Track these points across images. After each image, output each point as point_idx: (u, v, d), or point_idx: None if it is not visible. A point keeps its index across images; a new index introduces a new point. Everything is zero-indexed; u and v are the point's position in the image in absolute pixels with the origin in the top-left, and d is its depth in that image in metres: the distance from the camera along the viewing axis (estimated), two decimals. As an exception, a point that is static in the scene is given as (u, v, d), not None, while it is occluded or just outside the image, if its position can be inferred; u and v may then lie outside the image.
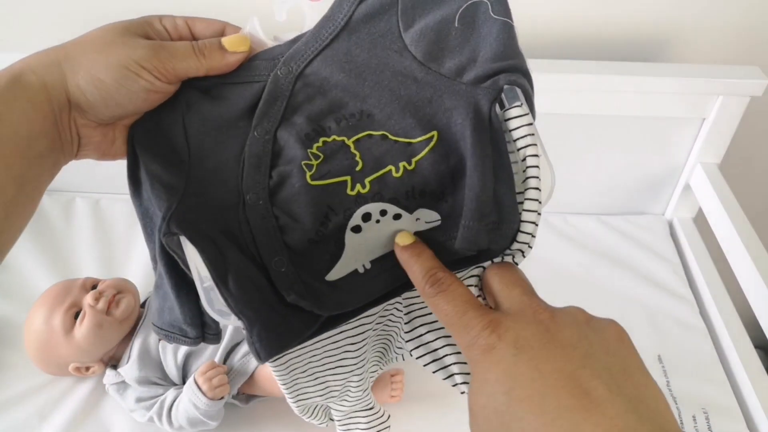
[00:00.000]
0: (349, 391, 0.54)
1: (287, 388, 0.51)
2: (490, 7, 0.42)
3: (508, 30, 0.41)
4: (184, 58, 0.41)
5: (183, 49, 0.41)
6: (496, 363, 0.32)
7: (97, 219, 1.02)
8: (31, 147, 0.37)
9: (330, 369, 0.51)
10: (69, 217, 1.02)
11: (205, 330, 0.43)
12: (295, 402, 0.53)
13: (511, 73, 0.40)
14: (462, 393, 0.43)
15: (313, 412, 0.58)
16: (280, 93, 0.43)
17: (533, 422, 0.29)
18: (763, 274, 0.76)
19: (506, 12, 0.42)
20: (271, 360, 0.45)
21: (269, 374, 0.73)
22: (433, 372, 0.46)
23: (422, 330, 0.46)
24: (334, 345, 0.49)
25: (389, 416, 0.61)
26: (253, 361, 0.74)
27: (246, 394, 0.76)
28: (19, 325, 0.80)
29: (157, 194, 0.42)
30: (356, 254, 0.41)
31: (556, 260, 0.97)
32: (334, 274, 0.41)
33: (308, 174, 0.41)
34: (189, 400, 0.69)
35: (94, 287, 0.78)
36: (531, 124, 0.39)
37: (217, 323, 0.43)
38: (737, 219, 0.84)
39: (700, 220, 0.99)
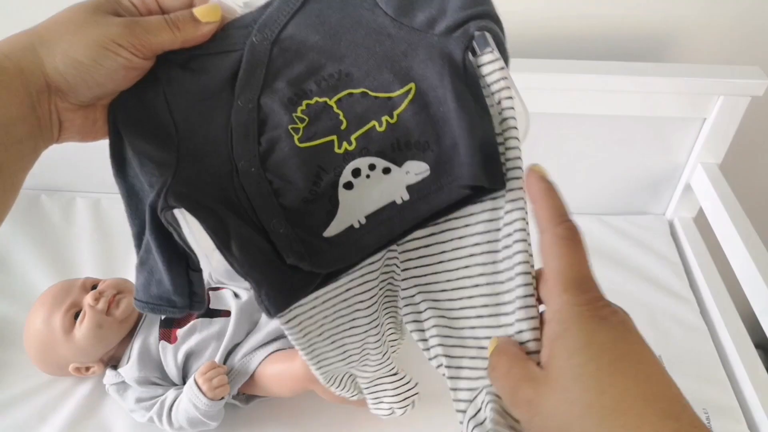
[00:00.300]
0: (369, 354, 0.54)
1: (306, 354, 0.50)
2: None
3: None
4: (159, 32, 0.41)
5: (156, 23, 0.41)
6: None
7: (97, 219, 1.02)
8: (8, 133, 0.37)
9: (344, 330, 0.50)
10: (69, 217, 1.02)
11: (192, 299, 0.44)
12: (318, 369, 0.52)
13: (480, 19, 0.42)
14: (437, 367, 0.44)
15: (340, 383, 0.58)
16: (258, 60, 0.44)
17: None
18: (763, 274, 0.76)
19: None
20: (284, 323, 0.46)
21: (270, 374, 0.73)
22: (417, 340, 0.46)
23: (413, 291, 0.47)
24: (344, 304, 0.49)
25: (417, 383, 0.60)
26: (253, 362, 0.74)
27: (246, 394, 0.76)
28: (19, 325, 0.80)
29: (148, 171, 0.42)
30: (351, 210, 0.43)
31: (556, 260, 0.97)
32: (331, 230, 0.43)
33: (296, 137, 0.42)
34: (189, 401, 0.69)
35: (94, 287, 0.78)
36: (503, 68, 0.41)
37: (203, 291, 0.45)
38: (738, 219, 0.84)
39: (701, 220, 0.99)
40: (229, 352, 0.75)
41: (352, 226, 0.43)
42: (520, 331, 0.38)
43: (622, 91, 0.89)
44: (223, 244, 0.40)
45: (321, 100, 0.43)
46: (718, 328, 0.86)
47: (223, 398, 0.70)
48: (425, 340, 0.45)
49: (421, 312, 0.45)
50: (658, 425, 0.30)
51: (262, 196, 0.42)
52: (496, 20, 0.43)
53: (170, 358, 0.74)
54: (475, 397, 0.42)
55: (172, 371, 0.74)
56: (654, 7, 0.91)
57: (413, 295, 0.46)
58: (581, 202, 1.05)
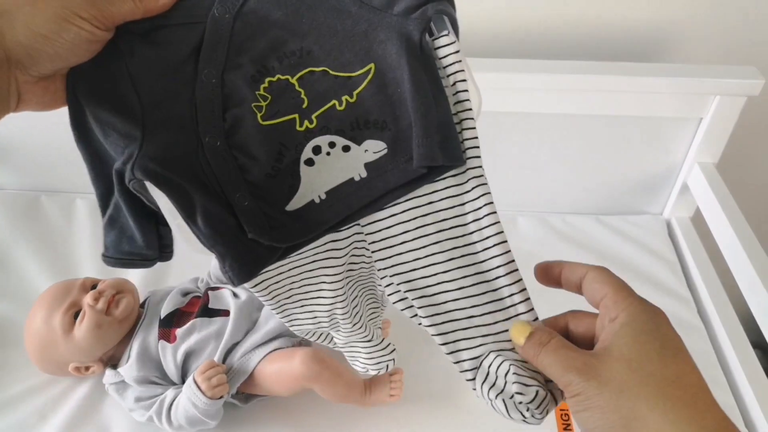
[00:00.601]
0: (338, 322, 0.56)
1: (277, 312, 0.53)
2: None
3: None
4: (121, 2, 0.41)
5: None
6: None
7: (97, 219, 0.99)
8: None
9: (312, 297, 0.53)
10: (69, 218, 1.03)
11: (162, 251, 0.46)
12: (290, 325, 0.55)
13: (437, 1, 0.43)
14: (432, 336, 0.45)
15: (318, 337, 0.60)
16: (221, 35, 0.44)
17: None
18: (760, 274, 0.76)
19: None
20: (251, 287, 0.50)
21: (269, 373, 0.73)
22: (410, 317, 0.46)
23: (387, 273, 0.47)
24: (311, 274, 0.51)
25: (394, 349, 0.61)
26: (252, 361, 0.74)
27: (245, 393, 0.77)
28: (19, 325, 0.80)
29: (112, 141, 0.43)
30: (312, 186, 0.45)
31: (554, 260, 0.97)
32: (293, 204, 0.45)
33: (259, 115, 0.44)
34: (188, 400, 0.70)
35: (93, 287, 0.78)
36: (458, 51, 0.43)
37: (172, 242, 0.47)
38: (735, 218, 0.85)
39: (698, 220, 0.99)
40: (228, 351, 0.75)
41: (312, 201, 0.45)
42: (511, 295, 0.43)
43: (618, 91, 0.90)
44: (189, 217, 0.42)
45: (283, 77, 0.44)
46: (715, 327, 0.86)
47: (222, 397, 0.70)
48: (416, 315, 0.45)
49: (402, 292, 0.46)
50: (711, 406, 0.34)
51: (227, 171, 0.44)
52: (451, 2, 0.44)
53: (169, 357, 0.74)
54: (481, 363, 0.43)
55: (172, 370, 0.75)
56: (651, 8, 0.91)
57: (390, 276, 0.46)
58: (579, 202, 1.06)
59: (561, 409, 0.76)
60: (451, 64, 0.43)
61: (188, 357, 0.75)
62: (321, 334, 0.60)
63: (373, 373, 0.61)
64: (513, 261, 0.43)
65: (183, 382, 0.74)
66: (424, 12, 0.43)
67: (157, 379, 0.75)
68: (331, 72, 0.44)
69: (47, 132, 0.98)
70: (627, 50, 0.95)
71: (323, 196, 0.45)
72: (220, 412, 0.72)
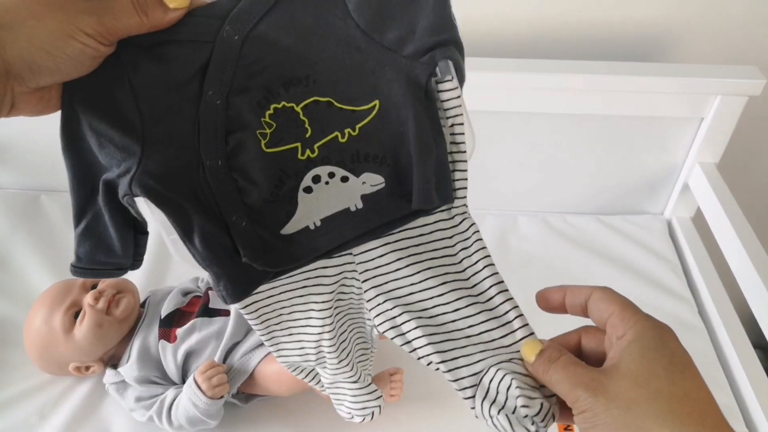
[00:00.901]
0: (325, 356, 0.55)
1: (266, 339, 0.54)
2: None
3: (443, 2, 0.45)
4: (127, 17, 0.40)
5: (124, 7, 0.40)
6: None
7: (97, 219, 1.02)
8: None
9: (301, 326, 0.53)
10: (69, 217, 1.00)
11: (135, 259, 0.47)
12: (277, 356, 0.56)
13: (445, 47, 0.44)
14: (427, 365, 0.45)
15: (306, 374, 0.60)
16: (229, 56, 0.44)
17: None
18: (761, 274, 0.76)
19: None
20: (241, 308, 0.50)
21: (269, 373, 0.73)
22: (400, 345, 0.47)
23: (381, 299, 0.48)
24: (301, 300, 0.52)
25: (381, 396, 0.60)
26: (253, 361, 0.74)
27: (246, 393, 0.77)
28: (19, 324, 0.80)
29: (108, 152, 0.43)
30: (308, 212, 0.46)
31: (554, 260, 0.97)
32: (288, 228, 0.46)
33: (263, 142, 0.44)
34: (189, 400, 0.69)
35: (94, 287, 0.78)
36: (459, 96, 0.45)
37: (145, 250, 0.48)
38: (736, 218, 0.85)
39: (699, 220, 0.99)
40: (229, 351, 0.75)
41: (307, 227, 0.46)
42: (507, 312, 0.45)
43: (619, 91, 0.90)
44: (186, 236, 0.43)
45: (288, 105, 0.44)
46: (716, 327, 0.86)
47: (222, 397, 0.70)
48: (409, 342, 0.46)
49: (395, 317, 0.47)
50: (719, 423, 0.34)
51: (226, 193, 0.44)
52: (459, 45, 0.45)
53: (170, 357, 0.74)
54: (481, 379, 0.43)
55: (172, 370, 0.75)
56: (652, 8, 0.91)
57: (382, 303, 0.48)
58: (579, 202, 1.05)
59: (562, 410, 0.76)
60: (451, 108, 0.45)
61: (189, 357, 0.75)
62: (307, 371, 0.59)
63: (358, 420, 0.60)
64: (503, 281, 0.46)
65: (183, 382, 0.74)
66: (432, 57, 0.44)
67: (158, 379, 0.75)
68: (336, 104, 0.45)
69: (47, 132, 0.97)
70: (628, 50, 0.95)
71: (318, 223, 0.46)
72: (220, 412, 0.72)
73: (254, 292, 0.48)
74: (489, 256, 0.46)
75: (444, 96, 0.45)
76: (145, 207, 0.43)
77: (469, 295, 0.46)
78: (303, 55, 0.44)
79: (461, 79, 0.46)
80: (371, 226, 0.47)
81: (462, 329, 0.45)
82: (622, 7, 0.91)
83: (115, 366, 0.77)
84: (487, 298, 0.46)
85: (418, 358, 0.46)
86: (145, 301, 0.82)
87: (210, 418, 0.70)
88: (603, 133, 0.96)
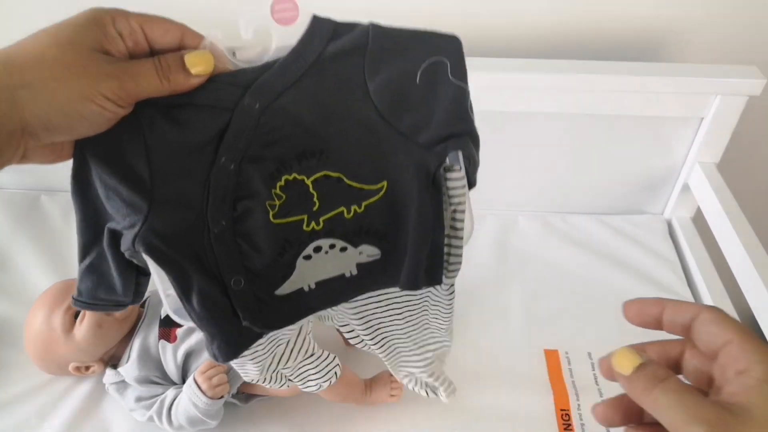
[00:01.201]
0: (288, 350, 0.61)
1: (241, 372, 0.58)
2: (449, 68, 0.45)
3: (461, 94, 0.46)
4: (148, 81, 0.39)
5: (146, 72, 0.39)
6: None
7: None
8: None
9: (274, 354, 0.59)
10: (69, 217, 1.02)
11: (135, 296, 0.48)
12: (249, 379, 0.60)
13: (458, 138, 0.46)
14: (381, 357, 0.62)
15: (270, 380, 0.63)
16: (246, 125, 0.44)
17: None
18: (761, 274, 0.76)
19: (463, 75, 0.46)
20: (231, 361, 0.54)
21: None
22: (355, 344, 0.62)
23: (383, 334, 0.60)
24: (277, 340, 0.57)
25: (335, 357, 0.66)
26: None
27: (246, 393, 0.77)
28: (19, 325, 0.80)
29: (115, 205, 0.43)
30: (304, 276, 0.48)
31: (554, 260, 0.97)
32: (283, 289, 0.48)
33: (271, 213, 0.45)
34: (189, 400, 0.69)
35: (93, 287, 0.78)
36: (464, 185, 0.47)
37: (146, 288, 0.49)
38: (736, 218, 0.85)
39: (699, 220, 0.99)
40: (229, 352, 0.75)
41: (302, 289, 0.48)
42: (437, 340, 0.62)
43: (619, 91, 0.90)
44: (185, 296, 0.44)
45: (300, 177, 0.45)
46: (716, 327, 0.86)
47: (222, 397, 0.70)
48: (368, 346, 0.61)
49: (360, 335, 0.61)
50: None
51: (229, 256, 0.45)
52: (473, 135, 0.47)
53: (170, 357, 0.74)
54: (414, 376, 0.65)
55: (172, 370, 0.75)
56: (652, 8, 0.91)
57: (355, 328, 0.60)
58: (579, 202, 1.05)
59: (561, 409, 0.76)
60: (456, 196, 0.47)
61: (189, 357, 0.75)
62: (275, 376, 0.63)
63: (326, 386, 0.65)
64: (444, 323, 0.60)
65: (183, 381, 0.74)
66: (444, 147, 0.45)
67: (158, 379, 0.75)
68: (345, 180, 0.46)
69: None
70: (628, 50, 0.95)
71: (313, 286, 0.48)
72: (220, 412, 0.72)
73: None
74: (452, 313, 0.58)
75: (450, 184, 0.47)
76: (148, 262, 0.44)
77: (421, 329, 0.60)
78: (319, 131, 0.45)
79: (474, 166, 0.48)
80: (363, 291, 0.51)
81: (408, 346, 0.61)
82: (622, 7, 0.91)
83: (115, 366, 0.77)
84: (427, 330, 0.61)
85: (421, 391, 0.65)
86: (145, 301, 0.82)
87: (210, 418, 0.70)
88: (603, 133, 0.96)
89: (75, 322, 0.75)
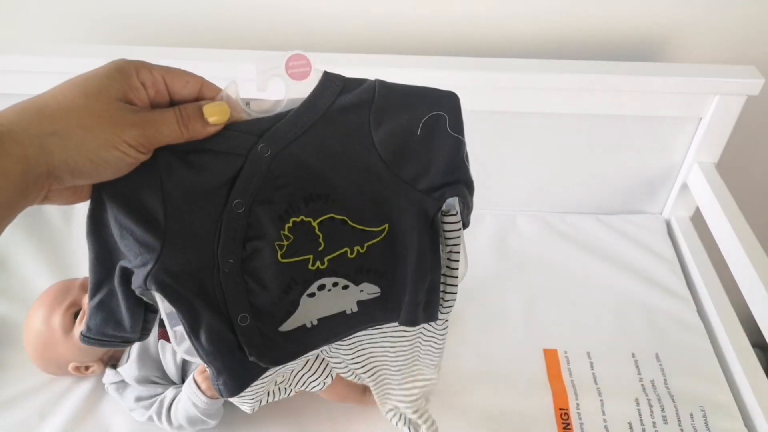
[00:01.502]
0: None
1: (238, 404, 0.60)
2: (447, 121, 0.49)
3: (458, 146, 0.49)
4: (169, 130, 0.42)
5: (167, 121, 0.42)
6: None
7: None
8: None
9: (268, 386, 0.60)
10: (69, 217, 1.03)
11: (143, 333, 0.50)
12: (239, 403, 0.61)
13: (455, 185, 0.49)
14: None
15: (268, 399, 0.64)
16: (258, 170, 0.47)
17: None
18: (760, 273, 0.76)
19: (459, 129, 0.50)
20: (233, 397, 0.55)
21: (268, 373, 0.73)
22: (344, 375, 0.64)
23: (374, 364, 0.62)
24: (277, 373, 0.58)
25: (324, 357, 0.67)
26: (252, 361, 0.74)
27: (245, 393, 0.77)
28: (19, 325, 0.80)
29: (128, 244, 0.45)
30: (307, 313, 0.50)
31: (553, 259, 0.97)
32: (286, 326, 0.50)
33: (279, 253, 0.48)
34: (188, 399, 0.69)
35: (93, 287, 0.78)
36: (460, 228, 0.51)
37: (153, 325, 0.51)
38: (734, 218, 0.85)
39: (698, 219, 0.99)
40: (228, 351, 0.75)
41: (304, 325, 0.51)
42: (431, 378, 0.64)
43: (618, 91, 0.90)
44: (193, 332, 0.46)
45: (306, 219, 0.48)
46: (714, 326, 0.87)
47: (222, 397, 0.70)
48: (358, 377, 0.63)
49: (351, 370, 0.62)
50: None
51: (236, 294, 0.48)
52: (468, 183, 0.51)
53: (169, 357, 0.74)
54: (398, 411, 0.67)
55: (171, 370, 0.75)
56: (650, 8, 0.91)
57: (346, 362, 0.61)
58: (578, 202, 1.06)
59: (560, 409, 0.77)
60: (452, 238, 0.51)
61: (188, 357, 0.75)
62: (269, 395, 0.64)
63: (329, 381, 0.66)
64: (435, 359, 0.62)
65: (183, 381, 0.74)
66: (443, 193, 0.49)
67: (157, 379, 0.75)
68: (350, 222, 0.49)
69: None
70: (627, 50, 0.95)
71: (315, 323, 0.51)
72: (220, 412, 0.72)
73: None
74: (443, 349, 0.60)
75: (447, 227, 0.50)
76: (158, 299, 0.46)
77: (411, 363, 0.62)
78: (326, 176, 0.48)
79: (468, 210, 0.51)
80: (362, 327, 0.54)
81: (397, 380, 0.63)
82: (622, 7, 0.91)
83: (114, 366, 0.77)
84: (417, 365, 0.62)
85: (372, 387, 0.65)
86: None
87: (210, 417, 0.71)
88: (602, 132, 0.96)
89: (75, 322, 0.75)
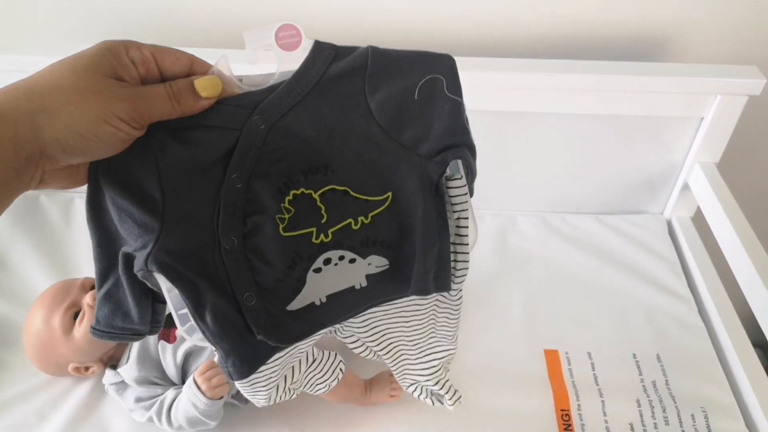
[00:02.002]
0: (294, 368, 0.61)
1: (251, 396, 0.58)
2: (445, 84, 0.48)
3: (457, 108, 0.48)
4: (160, 104, 0.41)
5: (158, 95, 0.41)
6: None
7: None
8: None
9: (283, 374, 0.59)
10: (68, 218, 1.03)
11: (153, 325, 0.49)
12: (252, 396, 0.59)
13: (457, 148, 0.48)
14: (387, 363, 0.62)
15: (275, 399, 0.63)
16: (253, 143, 0.46)
17: None
18: (761, 273, 0.76)
19: (457, 90, 0.49)
20: (242, 384, 0.54)
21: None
22: (359, 353, 0.61)
23: (389, 340, 0.59)
24: (289, 356, 0.56)
25: (336, 353, 0.67)
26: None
27: (245, 393, 0.76)
28: (19, 325, 0.80)
29: (127, 228, 0.44)
30: (315, 290, 0.49)
31: (554, 259, 0.97)
32: (295, 305, 0.49)
33: (281, 227, 0.47)
34: (188, 400, 0.69)
35: (93, 287, 0.78)
36: (466, 193, 0.49)
37: (163, 317, 0.50)
38: (735, 218, 0.85)
39: (699, 219, 0.99)
40: (229, 352, 0.75)
41: (313, 303, 0.49)
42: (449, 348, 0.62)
43: (620, 91, 0.90)
44: (198, 313, 0.45)
45: (307, 191, 0.47)
46: (715, 326, 0.86)
47: (222, 398, 0.70)
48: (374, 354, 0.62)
49: (367, 347, 0.60)
50: None
51: (239, 272, 0.46)
52: (470, 146, 0.49)
53: (169, 357, 0.74)
54: (419, 385, 0.65)
55: (171, 371, 0.74)
56: (651, 8, 0.91)
57: (359, 339, 0.59)
58: (579, 202, 1.05)
59: (561, 409, 0.76)
60: (458, 204, 0.49)
61: (188, 357, 0.74)
62: (273, 394, 0.62)
63: (334, 384, 0.66)
64: (451, 330, 0.60)
65: (183, 382, 0.74)
66: (444, 157, 0.48)
67: (157, 380, 0.75)
68: (351, 193, 0.48)
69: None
70: (628, 50, 0.95)
71: (324, 300, 0.50)
72: (220, 413, 0.72)
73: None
74: (458, 319, 0.59)
75: (452, 192, 0.49)
76: (161, 281, 0.45)
77: (426, 338, 0.60)
78: (323, 147, 0.47)
79: (472, 176, 0.50)
80: (373, 302, 0.52)
81: (414, 354, 0.61)
82: (622, 7, 0.91)
83: (114, 366, 0.77)
84: (434, 339, 0.61)
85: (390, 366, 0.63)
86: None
87: (210, 418, 0.70)
88: (602, 132, 0.96)
89: (74, 322, 0.75)
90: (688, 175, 0.98)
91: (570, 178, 1.03)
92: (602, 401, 0.77)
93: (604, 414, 0.76)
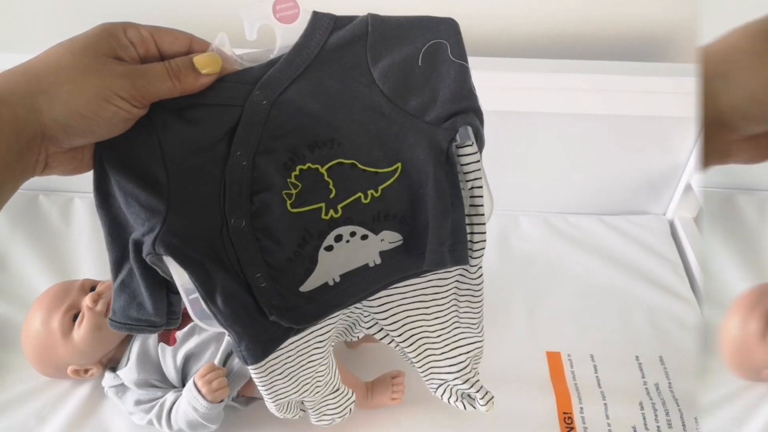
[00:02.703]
0: (318, 379, 0.59)
1: (267, 391, 0.56)
2: (449, 48, 0.47)
3: (463, 72, 0.47)
4: (160, 82, 0.41)
5: (158, 73, 0.41)
6: None
7: (96, 220, 0.99)
8: None
9: (302, 366, 0.56)
10: (68, 218, 1.02)
11: (170, 317, 0.48)
12: (273, 402, 0.58)
13: (465, 114, 0.46)
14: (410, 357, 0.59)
15: (287, 408, 0.62)
16: (256, 119, 0.45)
17: None
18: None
19: (462, 55, 0.47)
20: (254, 369, 0.52)
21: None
22: (380, 339, 0.59)
23: (400, 331, 0.56)
24: (305, 344, 0.54)
25: (352, 392, 0.66)
26: (252, 363, 0.73)
27: (246, 396, 0.76)
28: (18, 326, 0.79)
29: (134, 212, 0.44)
30: (328, 269, 0.47)
31: (556, 260, 0.97)
32: (307, 285, 0.47)
33: (288, 203, 0.46)
34: (188, 403, 0.69)
35: (92, 289, 0.77)
36: (478, 160, 0.48)
37: (180, 309, 0.48)
38: (738, 219, 0.84)
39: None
40: (229, 355, 0.74)
41: (326, 283, 0.48)
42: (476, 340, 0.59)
43: (622, 91, 0.89)
44: (208, 296, 0.44)
45: (314, 166, 0.46)
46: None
47: (222, 400, 0.70)
48: (397, 345, 0.59)
49: (388, 333, 0.57)
50: None
51: (249, 252, 0.45)
52: (478, 112, 0.48)
53: (169, 360, 0.74)
54: (448, 385, 0.62)
55: (171, 373, 0.74)
56: (653, 8, 0.91)
57: (380, 324, 0.57)
58: (581, 202, 1.05)
59: (564, 412, 0.76)
60: (471, 172, 0.48)
61: (188, 360, 0.74)
62: (290, 406, 0.62)
63: (339, 421, 0.65)
64: (476, 316, 0.57)
65: (183, 385, 0.74)
66: (453, 123, 0.46)
67: (157, 382, 0.74)
68: (359, 166, 0.46)
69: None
70: (629, 50, 0.95)
71: (337, 279, 0.48)
72: (220, 416, 0.72)
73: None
74: (482, 302, 0.56)
75: (464, 160, 0.47)
76: (170, 266, 0.44)
77: (448, 325, 0.57)
78: (328, 120, 0.46)
79: (481, 144, 0.48)
80: (388, 279, 0.49)
81: (437, 345, 0.58)
82: (622, 7, 0.91)
83: (114, 369, 0.76)
84: (454, 328, 0.57)
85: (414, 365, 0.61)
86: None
87: (210, 421, 0.70)
88: (604, 133, 0.96)
89: (74, 324, 0.74)
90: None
91: (572, 179, 1.02)
92: (605, 404, 0.77)
93: (607, 417, 0.76)
